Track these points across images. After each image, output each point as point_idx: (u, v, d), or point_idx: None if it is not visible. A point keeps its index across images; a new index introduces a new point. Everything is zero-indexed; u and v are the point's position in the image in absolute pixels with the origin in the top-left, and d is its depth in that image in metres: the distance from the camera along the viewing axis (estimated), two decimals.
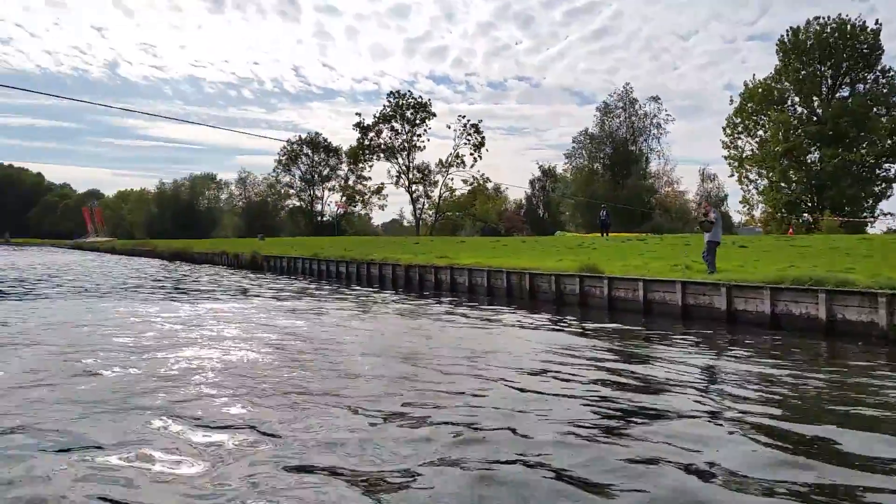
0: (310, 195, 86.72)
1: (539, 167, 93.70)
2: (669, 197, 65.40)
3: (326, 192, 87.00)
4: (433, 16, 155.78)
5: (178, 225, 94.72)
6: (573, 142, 70.20)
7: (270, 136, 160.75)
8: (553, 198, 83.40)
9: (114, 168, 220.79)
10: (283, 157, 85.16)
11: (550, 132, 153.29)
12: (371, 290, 22.42)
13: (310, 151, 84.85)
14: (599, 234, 37.08)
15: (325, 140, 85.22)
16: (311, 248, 37.43)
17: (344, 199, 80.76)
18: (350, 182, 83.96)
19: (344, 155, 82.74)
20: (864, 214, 51.48)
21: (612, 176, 60.31)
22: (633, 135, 66.07)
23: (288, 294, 20.30)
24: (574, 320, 13.84)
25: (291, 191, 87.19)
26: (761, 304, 12.53)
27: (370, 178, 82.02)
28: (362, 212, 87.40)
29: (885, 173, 50.92)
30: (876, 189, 51.18)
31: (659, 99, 67.78)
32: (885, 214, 52.44)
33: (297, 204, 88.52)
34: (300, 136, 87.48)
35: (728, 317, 13.06)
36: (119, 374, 7.53)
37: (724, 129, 57.32)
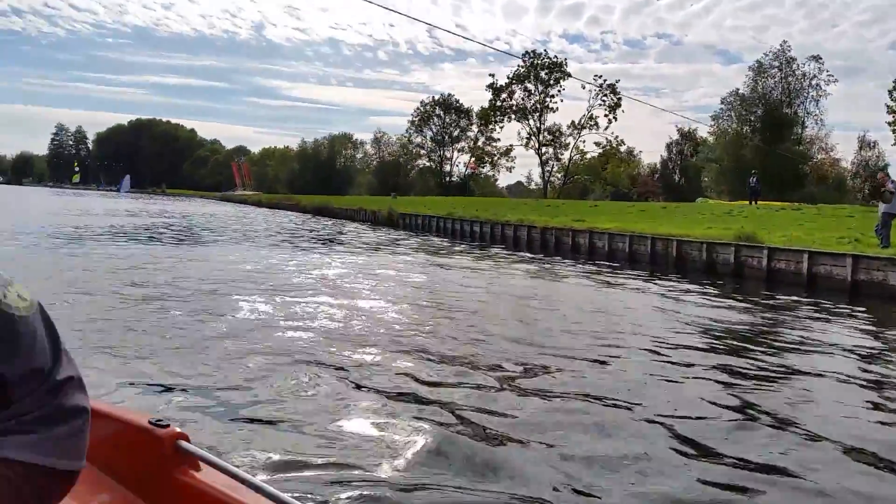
0: (439, 156, 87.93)
1: (678, 130, 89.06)
2: (825, 164, 59.79)
3: (455, 153, 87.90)
4: None
5: (317, 181, 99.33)
6: (721, 103, 65.29)
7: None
8: (692, 163, 79.07)
9: (256, 126, 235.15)
10: (416, 118, 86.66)
11: (690, 93, 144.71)
12: (507, 250, 22.56)
13: (441, 112, 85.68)
14: (747, 202, 34.84)
15: (457, 101, 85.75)
16: (442, 207, 38.08)
17: (473, 159, 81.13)
18: (479, 143, 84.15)
19: (474, 116, 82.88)
20: None
21: (763, 140, 55.69)
22: (788, 97, 60.44)
23: (436, 250, 20.86)
24: (734, 293, 13.22)
25: (422, 151, 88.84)
26: None
27: (499, 139, 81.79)
28: (490, 173, 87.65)
29: None
30: None
31: (820, 58, 61.13)
32: None
33: (427, 164, 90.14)
34: (433, 97, 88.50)
35: None
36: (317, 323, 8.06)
37: (890, 91, 51.46)
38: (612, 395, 5.23)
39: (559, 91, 72.34)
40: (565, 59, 74.04)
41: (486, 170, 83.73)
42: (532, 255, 20.70)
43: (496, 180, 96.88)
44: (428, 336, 7.23)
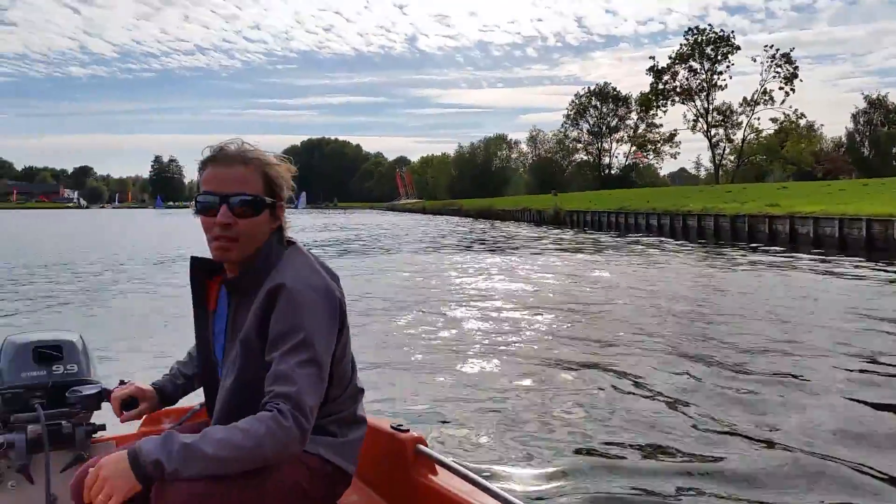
0: (597, 148, 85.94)
1: (865, 98, 79.80)
2: None
3: (614, 144, 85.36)
4: None
5: (475, 184, 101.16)
6: None
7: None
8: (884, 133, 70.51)
9: (414, 135, 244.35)
10: (572, 112, 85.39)
11: (871, 56, 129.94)
12: (695, 243, 21.43)
13: (598, 103, 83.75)
14: None
15: (614, 89, 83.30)
16: (609, 202, 37.13)
17: (634, 149, 78.41)
18: (640, 131, 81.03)
19: (633, 103, 79.98)
20: None
21: None
22: None
23: (639, 250, 20.27)
24: None
25: (579, 145, 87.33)
26: None
27: (662, 125, 78.22)
28: (652, 161, 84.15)
29: None
30: None
31: None
32: None
33: (585, 158, 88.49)
34: (588, 88, 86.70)
35: None
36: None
37: None
38: None
39: (728, 67, 67.79)
40: (732, 31, 69.10)
41: (650, 158, 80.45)
42: (725, 247, 19.46)
43: (659, 169, 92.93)
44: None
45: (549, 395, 4.98)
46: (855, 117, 78.69)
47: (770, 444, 3.91)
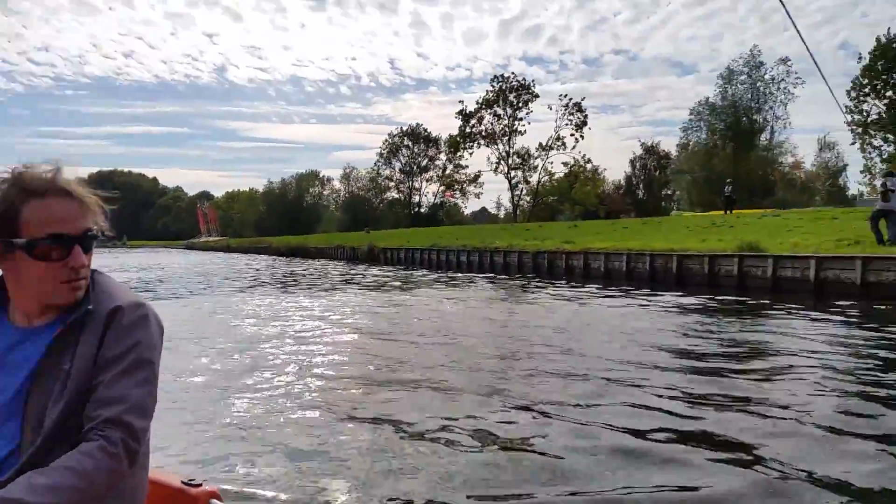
0: (408, 186, 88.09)
1: (641, 145, 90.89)
2: (795, 169, 61.23)
3: (424, 183, 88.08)
4: None
5: (285, 222, 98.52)
6: (691, 113, 66.21)
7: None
8: (656, 177, 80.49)
9: (219, 170, 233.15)
10: (385, 150, 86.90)
11: (646, 107, 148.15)
12: (502, 278, 22.34)
13: (410, 143, 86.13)
14: (722, 212, 35.35)
15: (426, 130, 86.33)
16: (422, 239, 37.89)
17: (444, 188, 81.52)
18: (448, 171, 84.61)
19: (443, 144, 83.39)
20: None
21: (734, 148, 56.37)
22: (757, 102, 61.33)
23: (444, 285, 20.49)
24: (740, 303, 13.14)
25: (391, 183, 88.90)
26: None
27: (468, 166, 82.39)
28: (458, 201, 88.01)
29: None
30: None
31: (788, 60, 61.90)
32: None
33: (396, 196, 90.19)
34: (401, 128, 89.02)
35: None
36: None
37: (847, 91, 53.18)
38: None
39: (527, 113, 73.30)
40: (532, 80, 75.08)
41: (458, 197, 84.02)
42: (527, 280, 20.50)
43: (463, 209, 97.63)
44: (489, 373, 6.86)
45: (351, 441, 4.63)
46: (632, 162, 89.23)
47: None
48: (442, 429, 4.88)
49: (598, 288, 17.27)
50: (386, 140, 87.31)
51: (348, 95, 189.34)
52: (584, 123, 69.63)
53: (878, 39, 51.26)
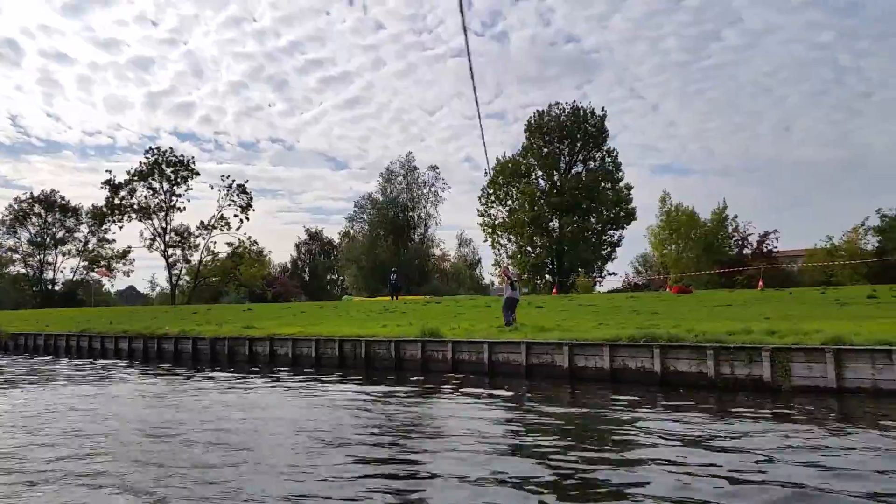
0: (40, 261, 75.19)
1: (306, 230, 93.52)
2: (445, 260, 69.37)
3: (60, 258, 76.25)
4: (179, 71, 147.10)
5: None
6: (355, 205, 71.18)
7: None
8: (321, 262, 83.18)
9: None
10: (9, 217, 73.15)
11: (305, 195, 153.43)
12: (171, 368, 20.27)
13: (42, 211, 74.05)
14: (389, 297, 37.94)
15: (63, 198, 75.29)
16: (66, 323, 32.59)
17: (86, 263, 71.63)
18: (90, 245, 75.01)
19: (85, 215, 73.82)
20: (594, 275, 59.91)
21: (395, 240, 61.92)
22: (412, 201, 69.13)
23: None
24: (422, 386, 14.09)
25: (16, 256, 74.67)
26: (601, 360, 14.08)
27: (115, 240, 74.27)
28: (108, 279, 78.22)
29: (610, 238, 59.94)
30: (603, 252, 59.85)
31: (437, 168, 72.26)
32: (611, 274, 61.59)
33: (23, 271, 76.07)
34: (31, 193, 76.27)
35: (570, 373, 14.40)
36: None
37: (479, 198, 63.01)
38: None
39: (187, 190, 69.45)
40: (192, 157, 71.59)
41: (113, 274, 74.35)
42: (202, 371, 18.97)
43: (107, 287, 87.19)
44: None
45: None
46: (298, 247, 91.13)
47: None
48: None
49: (260, 375, 16.79)
50: (10, 206, 73.93)
51: None
52: (250, 205, 69.03)
53: (497, 159, 62.37)
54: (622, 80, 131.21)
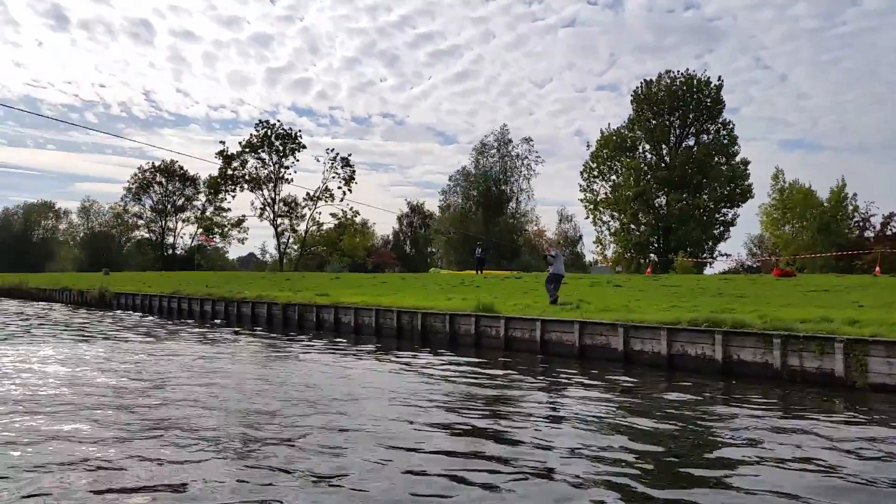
0: (161, 227, 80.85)
1: (407, 203, 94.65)
2: (537, 236, 67.89)
3: (180, 224, 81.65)
4: (296, 47, 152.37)
5: (10, 257, 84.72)
6: (449, 179, 71.01)
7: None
8: (421, 234, 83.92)
9: None
10: (134, 185, 79.01)
11: (414, 169, 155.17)
12: (247, 330, 20.82)
13: (164, 180, 79.36)
14: (474, 272, 37.42)
15: (182, 168, 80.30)
16: (167, 285, 34.57)
17: (200, 231, 76.13)
18: (207, 213, 79.60)
19: (202, 184, 78.36)
20: (704, 255, 56.22)
21: (486, 214, 61.33)
22: (505, 174, 68.01)
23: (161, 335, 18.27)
24: (466, 361, 13.44)
25: (140, 221, 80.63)
26: (657, 344, 12.83)
27: (230, 209, 78.30)
28: (220, 245, 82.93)
29: (723, 217, 56.00)
30: (715, 232, 56.03)
31: (531, 140, 70.48)
32: (723, 255, 57.69)
33: (147, 236, 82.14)
34: (153, 163, 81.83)
35: (625, 357, 13.26)
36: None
37: (581, 172, 60.67)
38: None
39: (294, 162, 71.90)
40: (299, 130, 73.86)
41: (217, 241, 78.96)
42: (274, 335, 19.30)
43: (226, 253, 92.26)
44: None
45: None
46: (400, 219, 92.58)
47: None
48: None
49: (346, 344, 16.69)
50: (135, 174, 79.54)
51: (96, 124, 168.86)
52: (353, 178, 70.32)
53: (601, 131, 59.59)
54: (747, 49, 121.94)
